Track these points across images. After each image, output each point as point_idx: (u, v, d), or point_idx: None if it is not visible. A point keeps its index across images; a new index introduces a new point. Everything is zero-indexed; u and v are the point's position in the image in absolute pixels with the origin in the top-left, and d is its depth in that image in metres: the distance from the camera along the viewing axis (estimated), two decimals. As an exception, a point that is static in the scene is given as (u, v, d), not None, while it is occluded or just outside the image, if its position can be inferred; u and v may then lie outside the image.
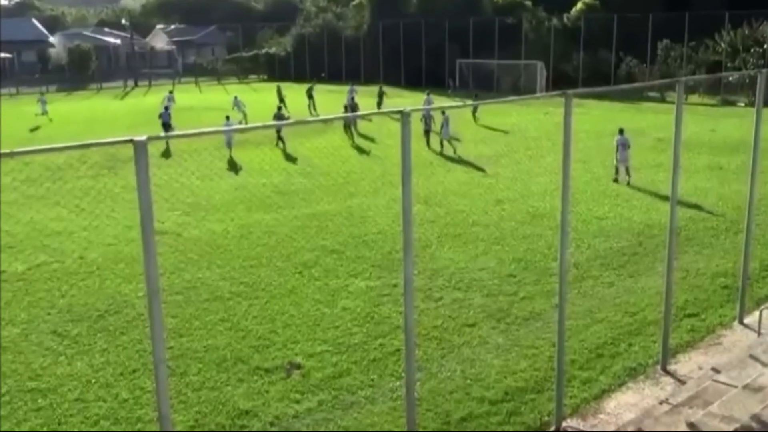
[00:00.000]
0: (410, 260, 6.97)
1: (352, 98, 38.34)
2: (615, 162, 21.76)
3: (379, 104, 40.38)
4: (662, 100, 43.14)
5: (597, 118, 34.40)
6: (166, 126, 31.45)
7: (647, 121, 34.50)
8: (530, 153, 24.84)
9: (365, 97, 40.58)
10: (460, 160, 25.23)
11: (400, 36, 58.65)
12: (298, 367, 9.89)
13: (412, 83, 54.10)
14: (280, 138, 29.18)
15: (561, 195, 8.04)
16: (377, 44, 60.85)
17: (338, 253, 14.97)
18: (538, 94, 43.67)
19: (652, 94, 45.21)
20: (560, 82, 45.42)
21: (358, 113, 32.69)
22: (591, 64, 49.83)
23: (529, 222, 17.04)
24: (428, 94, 38.88)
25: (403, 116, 6.79)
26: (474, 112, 35.17)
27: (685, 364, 9.79)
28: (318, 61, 66.10)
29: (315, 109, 41.77)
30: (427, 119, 28.19)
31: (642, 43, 47.67)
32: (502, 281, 13.07)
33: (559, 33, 52.71)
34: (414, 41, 57.36)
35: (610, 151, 22.56)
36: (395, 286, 12.63)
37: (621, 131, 22.04)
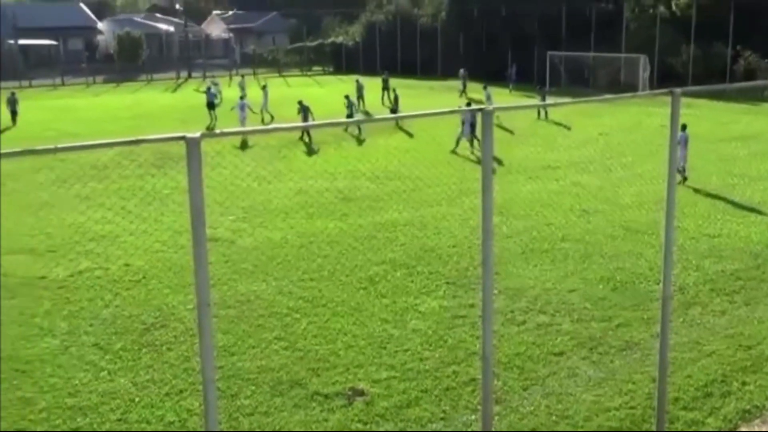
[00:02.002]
0: (490, 278, 6.93)
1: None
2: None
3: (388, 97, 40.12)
4: (787, 101, 41.91)
5: (709, 120, 33.64)
6: (210, 106, 37.78)
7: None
8: (625, 160, 24.42)
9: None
10: (548, 167, 25.01)
11: (482, 25, 58.51)
12: (362, 393, 9.92)
13: (496, 78, 53.85)
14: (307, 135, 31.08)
15: (665, 208, 7.88)
16: (456, 34, 60.87)
17: (408, 267, 14.98)
18: (639, 93, 42.90)
19: (775, 93, 43.97)
20: (666, 78, 44.59)
21: (430, 113, 32.70)
22: (703, 59, 48.76)
23: (626, 238, 16.76)
24: (485, 87, 38.73)
25: (485, 115, 6.77)
26: (543, 110, 35.11)
27: (810, 407, 9.46)
28: (390, 53, 66.51)
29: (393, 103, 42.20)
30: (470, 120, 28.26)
31: (764, 35, 46.40)
32: (594, 305, 12.88)
33: (666, 22, 51.71)
34: (498, 31, 57.16)
35: (725, 158, 22.08)
36: (472, 306, 12.57)
37: (684, 127, 22.06)
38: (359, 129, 32.39)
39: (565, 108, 35.31)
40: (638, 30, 52.61)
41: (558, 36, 54.16)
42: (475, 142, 27.70)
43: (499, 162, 24.68)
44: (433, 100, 36.36)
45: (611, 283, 13.88)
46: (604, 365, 10.62)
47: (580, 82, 49.56)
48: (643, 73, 48.55)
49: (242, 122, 33.50)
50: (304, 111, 32.75)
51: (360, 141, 31.10)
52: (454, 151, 27.66)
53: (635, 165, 23.51)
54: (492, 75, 54.06)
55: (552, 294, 13.39)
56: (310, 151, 28.91)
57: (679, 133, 22.20)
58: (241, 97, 36.17)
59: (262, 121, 37.15)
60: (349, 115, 34.21)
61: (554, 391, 9.91)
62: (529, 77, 52.59)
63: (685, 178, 21.90)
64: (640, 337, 11.52)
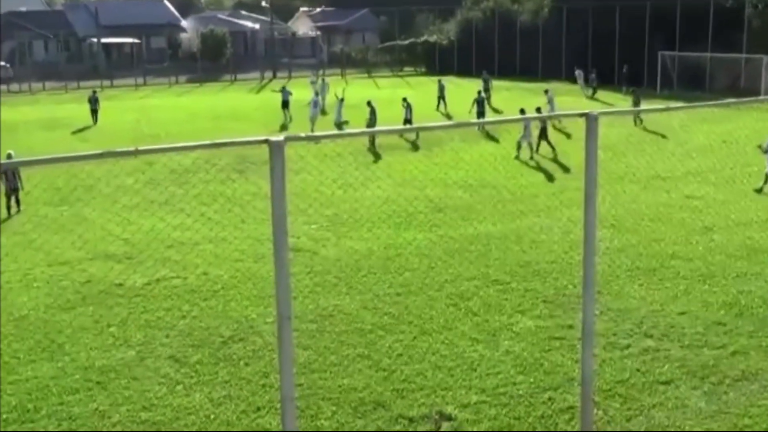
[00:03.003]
0: (591, 297, 6.83)
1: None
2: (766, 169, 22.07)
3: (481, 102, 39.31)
4: None
5: (841, 128, 32.45)
6: (285, 104, 40.93)
7: None
8: (749, 170, 23.76)
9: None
10: (657, 177, 24.54)
11: (588, 23, 57.76)
12: (449, 418, 9.89)
13: (602, 81, 53.07)
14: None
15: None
16: (559, 33, 60.24)
17: (502, 283, 14.88)
18: (762, 97, 41.73)
19: None
20: (793, 81, 43.19)
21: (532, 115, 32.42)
22: (834, 60, 47.08)
23: (745, 257, 16.28)
24: (546, 91, 38.19)
25: (589, 120, 6.70)
26: (638, 115, 34.52)
27: None
28: (486, 52, 66.23)
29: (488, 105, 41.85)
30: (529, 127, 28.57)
31: None
32: (707, 330, 12.54)
33: (793, 20, 50.19)
34: (606, 29, 56.31)
35: None
36: (571, 327, 12.40)
37: None
38: (417, 134, 32.38)
39: (680, 113, 34.56)
40: (762, 28, 51.07)
41: (672, 35, 53.04)
42: (528, 148, 28.24)
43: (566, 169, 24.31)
44: (533, 104, 36.04)
45: (726, 307, 13.50)
46: (717, 396, 10.33)
47: (694, 85, 48.42)
48: (766, 74, 47.17)
49: (312, 119, 36.86)
50: (372, 113, 32.87)
51: (416, 147, 31.05)
52: (517, 157, 28.02)
53: (761, 176, 22.81)
54: (598, 76, 53.40)
55: (659, 316, 13.10)
56: (376, 157, 29.06)
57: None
58: (316, 93, 40.74)
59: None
60: (407, 119, 34.26)
61: (660, 423, 9.68)
62: (639, 79, 51.65)
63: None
64: (758, 366, 11.16)
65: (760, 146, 22.72)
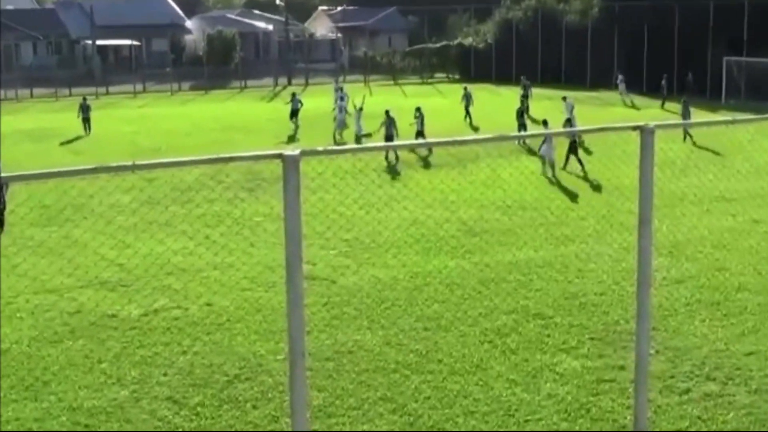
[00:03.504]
0: (645, 334, 6.78)
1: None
2: None
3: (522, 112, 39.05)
4: None
5: None
6: (295, 113, 42.41)
7: None
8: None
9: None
10: (722, 198, 24.40)
11: (643, 24, 57.74)
12: (483, 471, 9.83)
13: (657, 89, 52.97)
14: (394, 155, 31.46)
15: None
16: (611, 35, 60.24)
17: (544, 318, 14.81)
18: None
19: None
20: None
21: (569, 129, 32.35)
22: None
23: (821, 290, 16.13)
24: (565, 98, 38.15)
25: (644, 134, 6.68)
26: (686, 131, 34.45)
27: None
28: (528, 57, 66.31)
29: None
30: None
31: None
32: (778, 373, 12.42)
33: None
34: (663, 31, 56.26)
35: None
36: (622, 368, 12.30)
37: None
38: (430, 150, 32.32)
39: (748, 126, 34.36)
40: (841, 30, 50.94)
41: (739, 38, 52.84)
42: (548, 165, 28.59)
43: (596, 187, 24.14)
44: (578, 115, 36.08)
45: (801, 347, 13.38)
46: (790, 449, 10.22)
47: (764, 95, 48.20)
48: None
49: (339, 125, 38.96)
50: (389, 124, 32.91)
51: (427, 164, 31.06)
52: (545, 174, 28.47)
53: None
54: (652, 85, 53.31)
55: (724, 357, 12.98)
56: (393, 174, 29.12)
57: None
58: (341, 98, 41.50)
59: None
60: (419, 132, 34.31)
61: (725, 479, 9.58)
62: (701, 87, 51.45)
63: None
64: (837, 415, 11.04)
65: None
